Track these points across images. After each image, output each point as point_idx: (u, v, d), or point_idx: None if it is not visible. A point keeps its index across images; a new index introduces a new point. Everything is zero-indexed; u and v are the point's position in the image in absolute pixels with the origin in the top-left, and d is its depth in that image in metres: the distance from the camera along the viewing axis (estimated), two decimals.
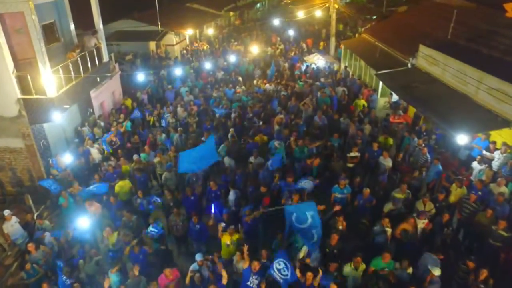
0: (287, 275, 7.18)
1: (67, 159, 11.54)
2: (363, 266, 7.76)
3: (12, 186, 11.83)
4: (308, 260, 7.97)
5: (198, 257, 7.86)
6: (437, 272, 7.19)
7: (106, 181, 11.15)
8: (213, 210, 9.57)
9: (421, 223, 8.64)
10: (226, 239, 8.48)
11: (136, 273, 7.73)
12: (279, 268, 7.25)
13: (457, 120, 11.11)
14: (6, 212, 9.32)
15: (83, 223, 8.82)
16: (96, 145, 12.81)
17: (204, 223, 9.47)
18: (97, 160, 12.61)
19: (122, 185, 10.67)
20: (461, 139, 10.80)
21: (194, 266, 7.86)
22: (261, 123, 14.27)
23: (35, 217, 9.77)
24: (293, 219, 7.95)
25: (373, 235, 8.88)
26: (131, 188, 10.83)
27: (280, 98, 16.51)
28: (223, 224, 8.64)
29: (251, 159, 11.76)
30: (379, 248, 8.69)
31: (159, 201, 9.84)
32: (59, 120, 11.23)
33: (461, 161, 12.14)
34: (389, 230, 8.71)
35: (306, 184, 10.12)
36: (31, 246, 8.63)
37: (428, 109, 12.21)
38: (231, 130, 13.47)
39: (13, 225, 9.34)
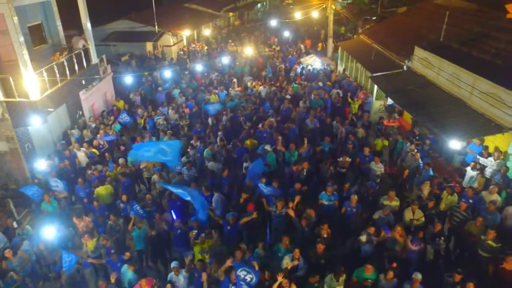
0: (252, 278, 6.98)
1: (51, 162, 11.37)
2: (343, 278, 7.48)
3: None
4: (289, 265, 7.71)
5: (173, 264, 7.65)
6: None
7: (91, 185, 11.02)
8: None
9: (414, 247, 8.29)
10: (199, 248, 8.31)
11: (113, 280, 7.57)
12: (243, 277, 7.01)
13: (450, 125, 10.81)
14: None
15: (52, 232, 8.59)
16: (83, 149, 12.61)
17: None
18: (83, 164, 12.41)
19: (101, 191, 10.53)
20: (454, 144, 10.55)
21: (170, 276, 7.65)
22: (248, 124, 14.03)
23: (14, 224, 9.56)
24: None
25: (360, 244, 8.62)
26: (111, 193, 10.65)
27: (273, 101, 16.25)
28: (194, 232, 8.45)
29: (245, 164, 11.53)
30: (366, 258, 8.49)
31: (141, 212, 9.61)
32: (42, 124, 11.05)
33: (455, 167, 11.86)
34: (375, 239, 8.46)
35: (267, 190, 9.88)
36: (8, 252, 8.44)
37: (421, 113, 11.91)
38: (220, 133, 13.27)
39: None
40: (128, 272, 7.95)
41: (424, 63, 13.87)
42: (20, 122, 10.82)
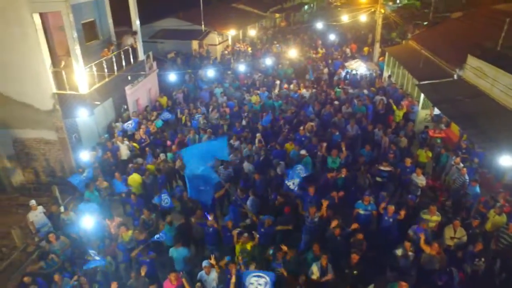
0: (266, 282, 7.00)
1: (95, 153, 11.87)
2: None
3: (45, 176, 12.35)
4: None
5: (205, 263, 7.70)
6: None
7: None
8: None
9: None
10: (241, 247, 8.32)
11: (143, 273, 7.72)
12: (256, 284, 7.01)
13: (503, 139, 10.16)
14: (32, 202, 9.70)
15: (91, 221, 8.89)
16: (126, 142, 13.04)
17: (218, 227, 9.29)
18: (125, 157, 12.83)
19: (131, 179, 10.90)
20: (506, 160, 9.85)
21: (201, 275, 7.71)
22: (287, 127, 13.90)
23: (61, 208, 10.06)
24: None
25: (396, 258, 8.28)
26: (140, 183, 11.01)
27: (315, 105, 16.01)
28: (238, 230, 8.43)
29: (278, 169, 11.45)
30: (402, 273, 8.15)
31: (167, 202, 9.79)
32: (89, 116, 11.56)
33: (505, 185, 11.09)
34: (411, 255, 8.09)
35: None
36: (52, 236, 8.90)
37: (470, 125, 11.26)
38: (258, 135, 13.23)
39: (37, 215, 9.67)
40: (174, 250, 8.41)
41: (477, 72, 13.08)
42: (69, 114, 11.39)
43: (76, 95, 11.15)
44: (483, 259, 7.94)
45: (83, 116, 11.48)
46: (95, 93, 11.51)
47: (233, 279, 7.22)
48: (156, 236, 8.67)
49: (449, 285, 7.79)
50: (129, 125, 14.36)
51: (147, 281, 7.69)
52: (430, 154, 12.17)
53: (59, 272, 7.97)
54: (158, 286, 7.43)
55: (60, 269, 8.49)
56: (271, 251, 8.10)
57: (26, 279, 7.78)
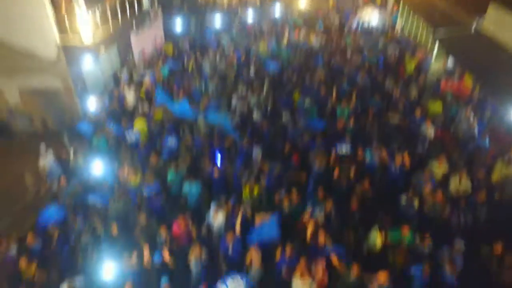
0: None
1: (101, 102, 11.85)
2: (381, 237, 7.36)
3: (53, 124, 12.41)
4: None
5: (213, 206, 7.87)
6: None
7: None
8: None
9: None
10: (247, 189, 8.48)
11: (149, 216, 7.94)
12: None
13: None
14: (43, 148, 9.83)
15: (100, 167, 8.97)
16: (131, 90, 12.93)
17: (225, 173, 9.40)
18: (131, 105, 12.77)
19: (141, 124, 10.97)
20: None
21: (208, 217, 7.90)
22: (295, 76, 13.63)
23: (71, 155, 10.19)
24: None
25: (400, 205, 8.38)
26: (146, 129, 11.03)
27: (324, 54, 15.59)
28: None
29: (284, 117, 11.39)
30: (405, 220, 8.29)
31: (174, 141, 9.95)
32: (94, 64, 11.38)
33: None
34: (415, 203, 8.18)
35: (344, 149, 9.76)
36: (63, 180, 9.10)
37: (485, 78, 10.93)
38: (266, 84, 13.03)
39: (48, 161, 9.81)
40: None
41: (498, 23, 12.42)
42: (74, 62, 11.20)
43: (80, 44, 10.90)
44: (484, 208, 8.00)
45: (87, 64, 11.30)
46: (99, 41, 11.24)
47: (238, 220, 7.37)
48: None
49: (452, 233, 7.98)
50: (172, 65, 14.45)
51: (155, 223, 7.91)
52: (440, 108, 11.96)
53: (73, 213, 8.20)
54: (168, 227, 7.64)
55: (72, 210, 8.72)
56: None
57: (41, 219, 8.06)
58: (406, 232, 7.24)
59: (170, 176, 9.22)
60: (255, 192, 8.46)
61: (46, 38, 11.00)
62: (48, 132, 12.56)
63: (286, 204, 8.09)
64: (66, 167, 10.06)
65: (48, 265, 7.26)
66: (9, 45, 11.05)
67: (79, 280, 6.64)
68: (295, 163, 9.46)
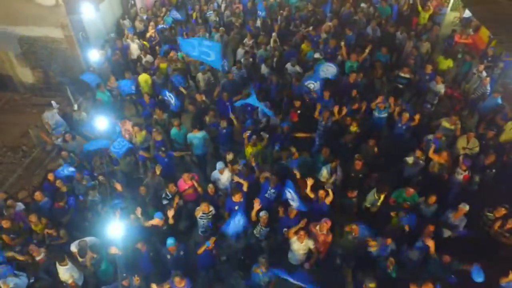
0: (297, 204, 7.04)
1: (104, 52, 11.52)
2: (385, 193, 7.43)
3: (55, 76, 12.19)
4: (330, 180, 7.76)
5: (219, 165, 7.88)
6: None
7: None
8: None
9: (460, 174, 7.83)
10: (250, 150, 8.43)
11: (158, 172, 7.96)
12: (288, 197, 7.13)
13: None
14: (53, 103, 9.75)
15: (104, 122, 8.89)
16: (136, 40, 12.53)
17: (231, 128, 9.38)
18: (135, 56, 12.45)
19: (144, 77, 10.76)
20: None
21: (213, 175, 7.96)
22: (310, 28, 12.99)
23: (75, 106, 10.11)
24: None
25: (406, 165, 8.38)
26: (153, 82, 10.81)
27: (333, 2, 14.80)
28: (248, 133, 8.49)
29: (288, 65, 11.06)
30: (409, 180, 8.34)
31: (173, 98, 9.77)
32: (95, 12, 10.91)
33: None
34: (421, 163, 8.17)
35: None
36: (68, 136, 9.10)
37: (503, 31, 10.37)
38: (274, 34, 12.53)
39: (53, 115, 9.77)
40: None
41: None
42: (73, 9, 10.73)
43: None
44: (493, 170, 7.98)
45: (88, 12, 10.84)
46: None
47: (245, 184, 7.43)
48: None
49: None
50: (176, 15, 13.94)
51: (162, 180, 8.01)
52: (451, 63, 11.55)
53: (78, 170, 8.29)
54: (175, 184, 7.74)
55: (79, 167, 8.84)
56: (277, 147, 8.25)
57: (49, 175, 8.18)
58: (410, 193, 7.29)
59: (173, 132, 9.18)
60: (259, 148, 8.44)
61: None
62: (50, 84, 12.39)
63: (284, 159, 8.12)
64: (70, 121, 10.02)
65: (57, 223, 7.46)
66: None
67: (89, 240, 6.86)
68: (294, 119, 9.23)
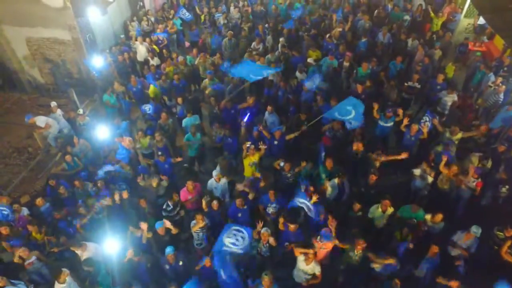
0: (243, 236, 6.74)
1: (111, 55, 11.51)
2: (390, 210, 7.23)
3: (62, 78, 12.20)
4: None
5: (215, 172, 7.74)
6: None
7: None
8: (245, 119, 9.24)
9: (472, 182, 7.61)
10: (249, 160, 8.28)
11: (154, 185, 7.85)
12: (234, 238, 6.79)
13: None
14: (53, 104, 9.72)
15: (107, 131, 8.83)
16: (145, 43, 12.44)
17: (237, 137, 9.23)
18: (142, 58, 12.38)
19: (151, 89, 10.57)
20: None
21: (210, 183, 7.82)
22: (313, 31, 12.73)
23: (80, 110, 10.06)
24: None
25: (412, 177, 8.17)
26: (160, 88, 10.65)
27: (345, 7, 14.56)
28: (248, 144, 8.30)
29: (297, 73, 10.90)
30: (416, 193, 8.13)
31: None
32: (102, 15, 10.86)
33: None
34: (429, 178, 7.94)
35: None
36: (75, 139, 9.06)
37: None
38: (282, 39, 12.36)
39: (57, 117, 9.75)
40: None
41: None
42: (81, 12, 10.70)
43: None
44: (507, 186, 7.72)
45: (95, 15, 10.80)
46: None
47: (252, 194, 7.31)
48: None
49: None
50: (185, 14, 13.89)
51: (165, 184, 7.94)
52: (451, 71, 11.29)
53: (78, 177, 8.23)
54: (177, 192, 7.65)
55: (83, 171, 8.79)
56: (281, 163, 8.05)
57: (51, 181, 8.15)
58: (416, 209, 7.08)
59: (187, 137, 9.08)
60: (256, 158, 8.24)
61: None
62: (57, 86, 12.40)
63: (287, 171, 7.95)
64: (74, 125, 9.99)
65: (57, 230, 7.42)
66: None
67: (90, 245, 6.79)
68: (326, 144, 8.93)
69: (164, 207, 7.43)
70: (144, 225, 6.80)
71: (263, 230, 6.52)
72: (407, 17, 13.57)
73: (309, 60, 11.29)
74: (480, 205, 7.99)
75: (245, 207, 7.04)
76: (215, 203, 7.17)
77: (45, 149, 9.98)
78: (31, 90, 12.78)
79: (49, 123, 9.50)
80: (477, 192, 7.63)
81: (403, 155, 7.89)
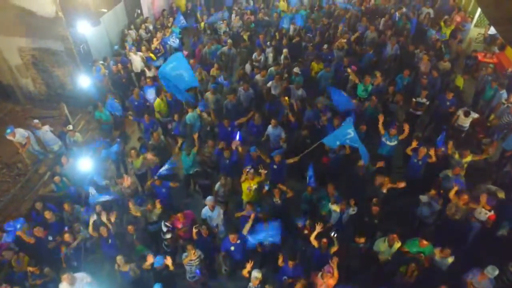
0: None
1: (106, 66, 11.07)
2: (398, 244, 6.74)
3: (55, 89, 11.79)
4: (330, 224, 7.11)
5: (209, 200, 7.26)
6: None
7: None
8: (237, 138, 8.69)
9: (483, 213, 7.11)
10: (247, 184, 7.78)
11: (158, 206, 7.43)
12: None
13: None
14: (35, 121, 9.30)
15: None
16: (139, 53, 12.02)
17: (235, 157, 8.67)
18: (139, 69, 11.93)
19: (158, 102, 10.04)
20: None
21: (205, 212, 7.36)
22: (325, 46, 12.11)
23: (70, 126, 9.61)
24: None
25: (419, 205, 7.67)
26: (165, 107, 10.08)
27: (351, 16, 14.03)
28: (248, 168, 7.81)
29: (292, 88, 10.31)
30: (423, 223, 7.64)
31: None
32: (94, 26, 10.42)
33: None
34: (437, 206, 7.44)
35: None
36: (64, 159, 8.60)
37: None
38: (285, 51, 11.83)
39: (45, 133, 9.32)
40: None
41: None
42: (74, 22, 10.25)
43: (79, 1, 9.88)
44: None
45: (87, 26, 10.35)
46: None
47: (248, 225, 6.83)
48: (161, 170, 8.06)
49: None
50: (182, 22, 13.42)
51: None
52: (461, 82, 10.76)
53: (68, 201, 7.78)
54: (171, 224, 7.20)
55: (71, 194, 8.34)
56: (266, 187, 7.55)
57: (37, 205, 7.73)
58: (424, 245, 6.58)
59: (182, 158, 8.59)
60: (255, 184, 7.73)
61: None
62: (51, 96, 11.98)
63: (277, 197, 7.48)
64: (65, 141, 9.54)
65: (41, 259, 6.99)
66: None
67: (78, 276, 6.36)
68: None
69: (162, 236, 7.05)
70: (150, 258, 6.38)
71: (255, 273, 6.01)
72: (408, 26, 13.05)
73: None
74: (494, 236, 7.46)
75: (239, 241, 6.56)
76: (204, 229, 6.75)
77: (34, 168, 9.53)
78: (25, 101, 12.38)
79: (29, 136, 9.13)
80: (490, 225, 7.11)
81: (401, 184, 7.45)
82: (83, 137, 9.64)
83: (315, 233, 6.51)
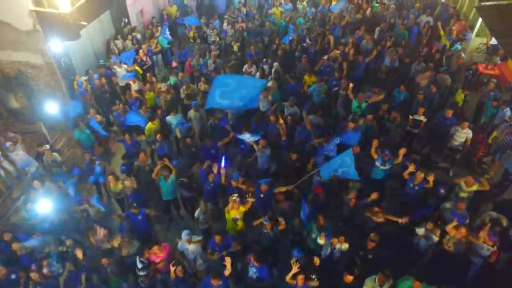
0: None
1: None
2: (390, 283, 6.23)
3: (36, 103, 11.26)
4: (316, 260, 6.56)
5: (185, 235, 6.73)
6: None
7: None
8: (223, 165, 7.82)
9: (486, 249, 6.60)
10: (232, 214, 7.25)
11: (116, 244, 7.00)
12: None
13: None
14: (8, 143, 8.78)
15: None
16: (124, 65, 11.49)
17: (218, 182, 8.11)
18: (123, 83, 11.38)
19: (148, 127, 9.44)
20: None
21: (181, 245, 6.86)
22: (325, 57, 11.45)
23: (47, 146, 9.09)
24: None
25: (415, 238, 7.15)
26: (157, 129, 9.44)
27: (344, 24, 13.45)
28: (235, 196, 7.26)
29: (285, 105, 9.80)
30: (419, 255, 7.12)
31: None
32: (74, 40, 9.88)
33: None
34: (435, 238, 6.91)
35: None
36: (36, 183, 8.06)
37: None
38: (275, 64, 11.28)
39: (18, 154, 8.82)
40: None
41: None
42: (52, 35, 9.69)
43: (57, 14, 9.32)
44: None
45: (67, 40, 9.82)
46: (80, 11, 9.60)
47: (228, 265, 6.27)
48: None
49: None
50: (167, 35, 12.90)
51: (137, 244, 7.09)
52: (460, 98, 10.23)
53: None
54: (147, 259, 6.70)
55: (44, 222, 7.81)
56: (265, 221, 7.00)
57: (6, 236, 7.21)
58: (418, 285, 6.04)
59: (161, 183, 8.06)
60: (240, 213, 7.18)
61: (19, 5, 9.36)
62: (33, 111, 11.46)
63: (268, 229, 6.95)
64: (41, 161, 9.04)
65: None
66: None
67: None
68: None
69: (138, 271, 6.55)
70: None
71: None
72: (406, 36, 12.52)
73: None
74: (495, 270, 6.93)
75: (221, 283, 6.01)
76: (179, 270, 6.22)
77: (7, 192, 9.00)
78: (7, 115, 11.88)
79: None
80: (493, 260, 6.58)
81: (404, 220, 6.96)
82: (64, 155, 9.06)
83: (290, 274, 5.99)
